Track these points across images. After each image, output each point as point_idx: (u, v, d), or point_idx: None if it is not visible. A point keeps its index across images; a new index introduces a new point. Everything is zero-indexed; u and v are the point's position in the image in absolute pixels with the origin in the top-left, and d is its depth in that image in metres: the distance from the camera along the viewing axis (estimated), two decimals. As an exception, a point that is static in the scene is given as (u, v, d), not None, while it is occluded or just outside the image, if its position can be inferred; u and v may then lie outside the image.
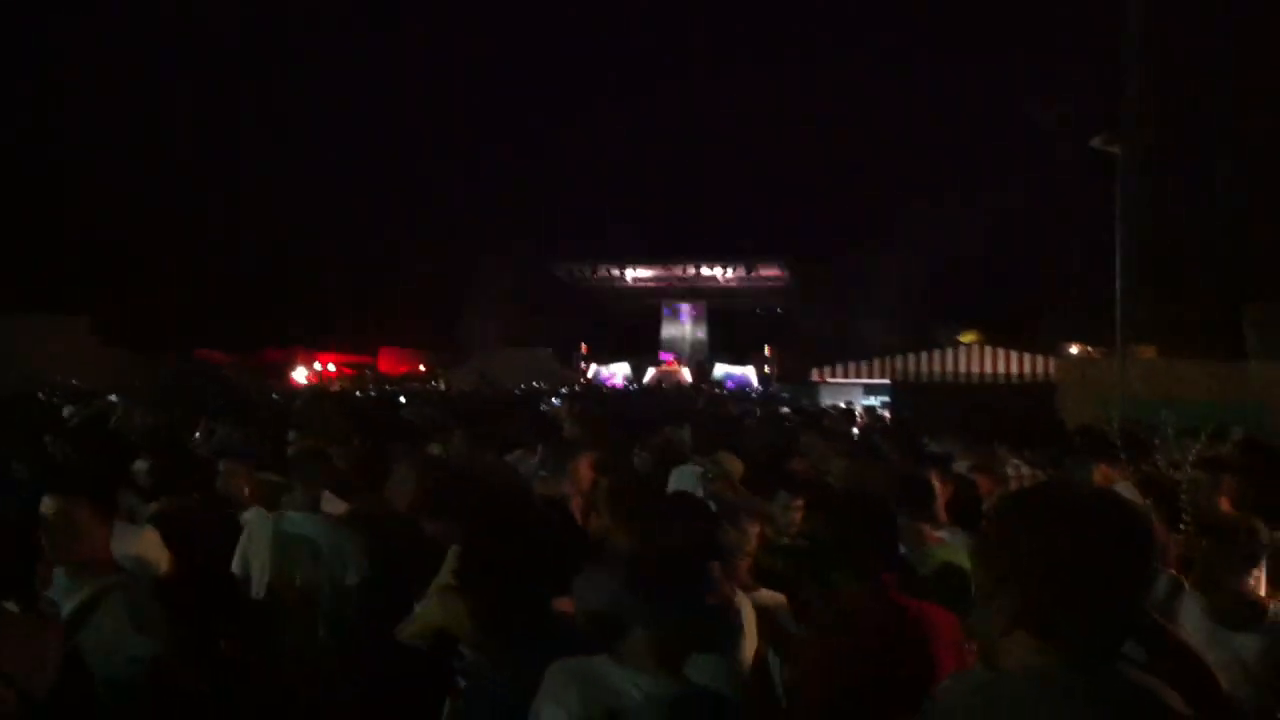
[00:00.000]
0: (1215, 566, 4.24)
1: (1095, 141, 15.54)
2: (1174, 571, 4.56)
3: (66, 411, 12.39)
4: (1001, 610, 1.63)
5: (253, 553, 4.92)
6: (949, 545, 4.17)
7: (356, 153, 45.88)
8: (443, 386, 34.13)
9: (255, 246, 41.24)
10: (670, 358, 48.69)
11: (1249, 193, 20.40)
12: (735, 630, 3.40)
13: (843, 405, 21.43)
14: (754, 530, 4.12)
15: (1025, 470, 7.68)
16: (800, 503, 4.41)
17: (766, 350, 48.69)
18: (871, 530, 3.32)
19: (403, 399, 20.15)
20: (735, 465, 6.51)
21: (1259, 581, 4.26)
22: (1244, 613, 4.03)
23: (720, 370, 46.76)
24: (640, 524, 3.91)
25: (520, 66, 53.08)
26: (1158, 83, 17.51)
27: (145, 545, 4.52)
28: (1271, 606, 4.10)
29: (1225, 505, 5.57)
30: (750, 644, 3.43)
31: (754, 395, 33.73)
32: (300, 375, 38.33)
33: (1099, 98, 17.22)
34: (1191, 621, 4.07)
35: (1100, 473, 6.69)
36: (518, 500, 5.27)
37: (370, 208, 44.78)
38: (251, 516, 5.17)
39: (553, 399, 22.92)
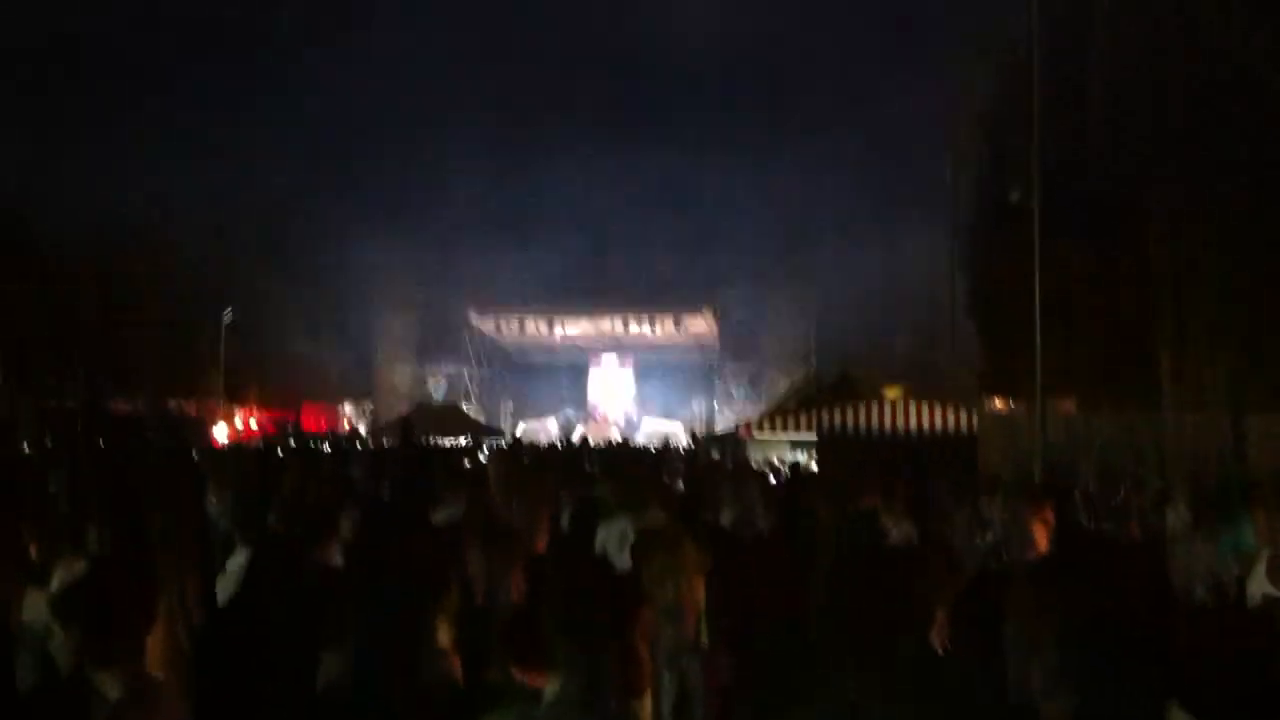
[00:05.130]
0: None
1: (1013, 196, 16.00)
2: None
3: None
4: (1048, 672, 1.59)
5: None
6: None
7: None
8: (370, 444, 33.64)
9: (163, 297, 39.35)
10: (600, 414, 48.61)
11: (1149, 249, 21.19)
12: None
13: (777, 461, 21.68)
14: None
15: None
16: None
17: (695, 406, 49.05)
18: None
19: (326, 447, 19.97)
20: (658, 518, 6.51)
21: None
22: None
23: (649, 426, 46.71)
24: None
25: (430, 103, 52.67)
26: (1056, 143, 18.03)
27: None
28: None
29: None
30: None
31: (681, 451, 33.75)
32: (221, 431, 37.49)
33: (1009, 153, 17.87)
34: None
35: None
36: None
37: (288, 255, 43.72)
38: None
39: (478, 453, 22.75)
